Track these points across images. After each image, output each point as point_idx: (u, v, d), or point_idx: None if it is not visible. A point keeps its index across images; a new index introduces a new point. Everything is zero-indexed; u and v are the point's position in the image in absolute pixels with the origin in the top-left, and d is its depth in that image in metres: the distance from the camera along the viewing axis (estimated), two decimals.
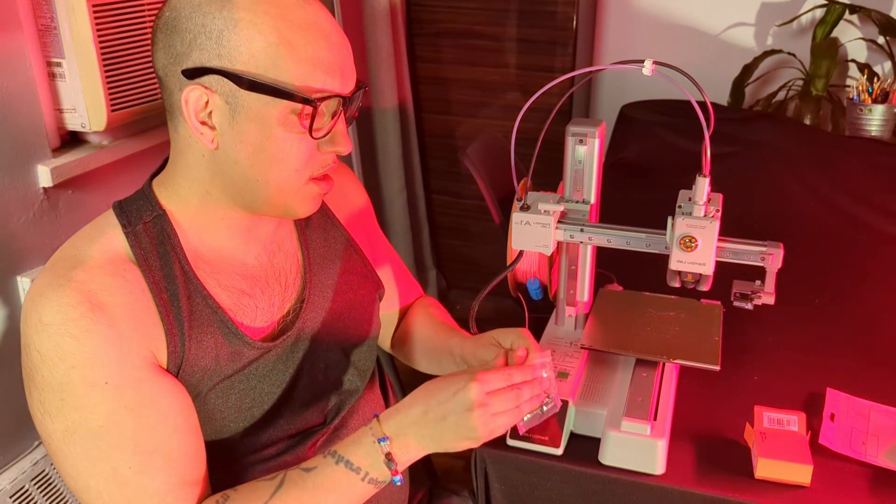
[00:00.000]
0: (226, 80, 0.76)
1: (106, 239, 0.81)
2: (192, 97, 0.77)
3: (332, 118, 0.81)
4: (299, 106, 0.78)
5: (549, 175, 1.44)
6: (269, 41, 0.75)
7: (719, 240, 0.96)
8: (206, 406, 0.85)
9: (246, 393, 0.87)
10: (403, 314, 1.19)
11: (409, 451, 0.81)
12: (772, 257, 0.97)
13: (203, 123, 0.79)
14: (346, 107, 0.82)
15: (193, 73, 0.77)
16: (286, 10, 0.76)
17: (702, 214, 0.94)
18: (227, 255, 0.88)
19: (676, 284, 1.02)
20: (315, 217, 0.98)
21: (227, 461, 0.89)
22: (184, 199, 0.85)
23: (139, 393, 0.77)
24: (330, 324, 0.96)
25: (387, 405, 1.07)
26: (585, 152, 1.08)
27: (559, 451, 1.00)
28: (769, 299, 1.00)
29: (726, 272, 1.03)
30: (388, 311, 1.16)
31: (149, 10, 1.42)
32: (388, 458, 0.80)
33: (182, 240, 0.84)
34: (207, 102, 0.77)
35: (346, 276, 0.99)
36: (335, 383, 0.97)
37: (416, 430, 0.81)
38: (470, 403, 0.79)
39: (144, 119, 1.53)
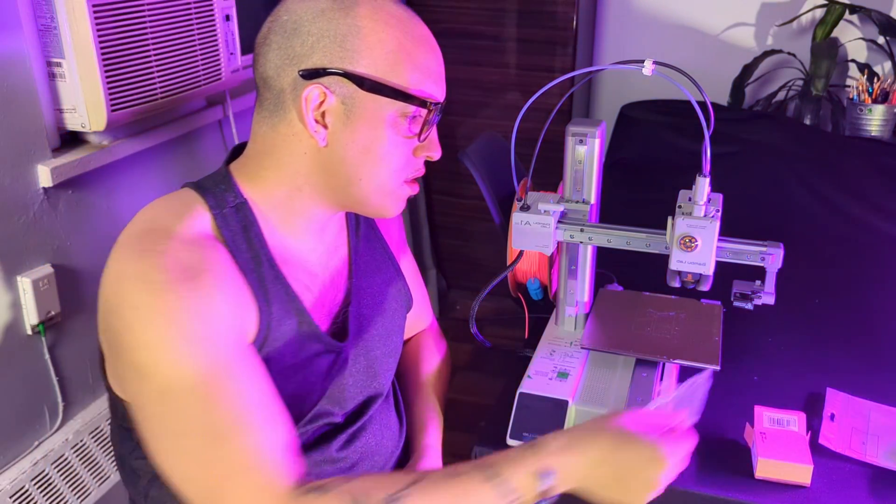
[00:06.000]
0: (345, 81, 0.81)
1: (194, 216, 0.82)
2: (311, 96, 0.81)
3: (430, 125, 0.86)
4: (409, 109, 0.83)
5: (549, 175, 1.44)
6: (390, 49, 0.82)
7: (719, 240, 0.96)
8: None
9: (301, 384, 0.88)
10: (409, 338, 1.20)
11: (567, 485, 0.79)
12: (772, 257, 0.97)
13: (316, 122, 0.83)
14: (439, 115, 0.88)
15: (313, 74, 0.81)
16: (403, 22, 0.84)
17: (702, 214, 0.94)
18: (294, 250, 0.90)
19: (676, 284, 1.02)
20: (363, 227, 1.02)
21: None
22: (268, 191, 0.87)
23: (234, 353, 0.77)
24: (368, 329, 0.98)
25: (399, 417, 1.08)
26: (585, 152, 1.08)
27: None
28: (769, 299, 1.00)
29: (726, 272, 1.03)
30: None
31: (149, 10, 1.42)
32: (544, 494, 0.77)
33: (262, 229, 0.87)
34: (323, 102, 0.82)
35: (383, 287, 1.02)
36: (364, 388, 0.98)
37: (586, 476, 0.78)
38: (656, 483, 0.78)
39: (144, 119, 1.53)
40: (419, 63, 0.84)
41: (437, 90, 0.86)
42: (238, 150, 0.92)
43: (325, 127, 0.83)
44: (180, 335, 0.74)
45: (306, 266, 0.91)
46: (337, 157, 0.84)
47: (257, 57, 0.85)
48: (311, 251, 0.92)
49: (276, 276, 0.86)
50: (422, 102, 0.84)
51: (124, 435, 0.89)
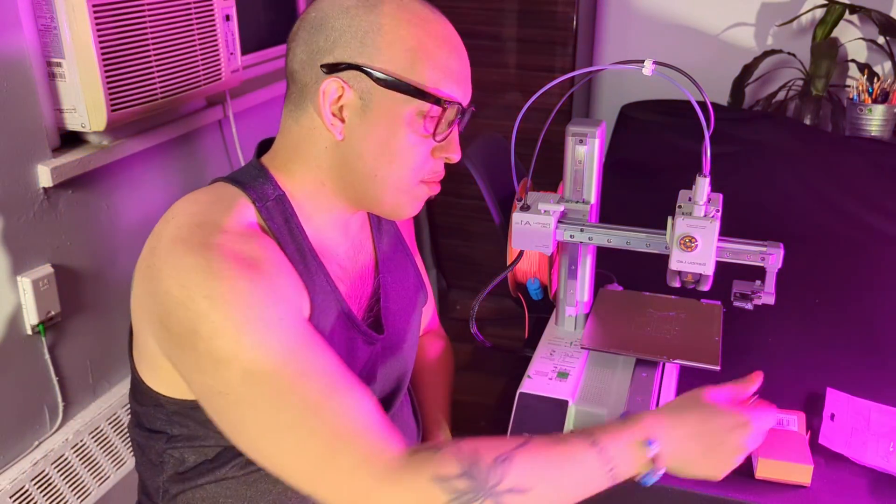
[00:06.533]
0: (363, 76, 0.82)
1: (240, 209, 0.82)
2: (329, 89, 0.82)
3: (449, 126, 0.86)
4: (427, 107, 0.83)
5: (549, 175, 1.44)
6: (409, 46, 0.82)
7: (719, 240, 0.96)
8: None
9: None
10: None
11: (666, 459, 0.81)
12: (772, 257, 0.97)
13: (334, 115, 0.84)
14: (462, 118, 0.88)
15: (333, 69, 0.82)
16: (425, 21, 0.84)
17: (702, 214, 0.94)
18: (327, 245, 0.91)
19: (676, 284, 1.02)
20: (385, 225, 1.03)
21: None
22: (298, 185, 0.88)
23: (306, 330, 0.78)
24: (394, 323, 0.99)
25: (414, 414, 1.09)
26: (585, 152, 1.08)
27: None
28: (769, 299, 1.00)
29: (726, 272, 1.03)
30: None
31: (149, 10, 1.42)
32: (653, 464, 0.80)
33: (301, 221, 0.88)
34: (342, 96, 0.83)
35: (406, 283, 1.04)
36: (393, 381, 1.00)
37: (679, 449, 0.81)
38: (743, 447, 0.83)
39: (144, 119, 1.53)
40: (439, 62, 0.84)
41: (457, 91, 0.86)
42: (263, 146, 0.93)
43: (343, 121, 0.84)
44: (259, 318, 0.74)
45: (337, 260, 0.92)
46: (354, 153, 0.85)
47: (287, 52, 0.87)
48: (339, 246, 0.93)
49: (318, 266, 0.87)
50: (437, 101, 0.83)
51: (157, 427, 0.88)
